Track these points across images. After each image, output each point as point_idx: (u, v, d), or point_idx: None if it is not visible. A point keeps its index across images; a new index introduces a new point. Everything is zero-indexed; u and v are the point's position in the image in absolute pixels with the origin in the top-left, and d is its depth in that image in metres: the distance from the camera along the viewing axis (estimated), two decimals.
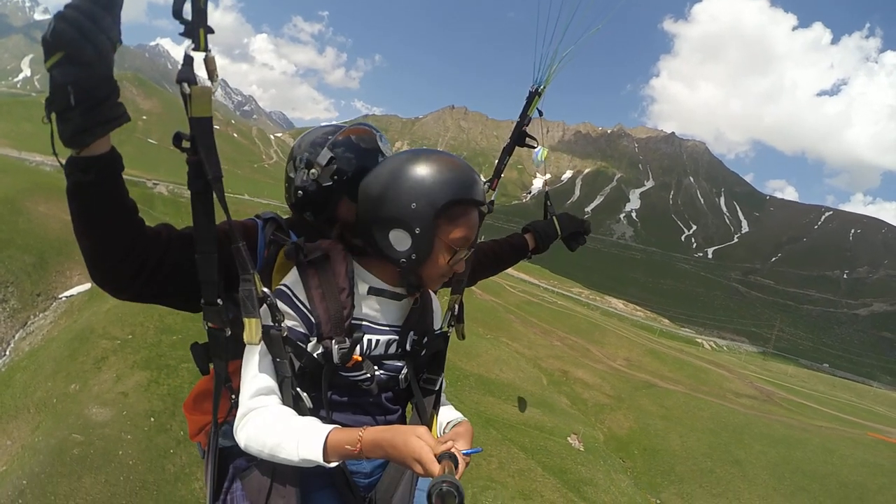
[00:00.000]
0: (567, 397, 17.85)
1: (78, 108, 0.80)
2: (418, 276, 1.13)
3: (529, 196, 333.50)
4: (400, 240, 1.06)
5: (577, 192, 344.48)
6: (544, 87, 1.69)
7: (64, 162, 0.89)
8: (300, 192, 1.27)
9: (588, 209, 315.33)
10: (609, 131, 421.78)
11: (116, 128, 0.87)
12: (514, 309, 28.16)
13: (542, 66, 1.66)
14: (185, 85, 0.87)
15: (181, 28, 0.85)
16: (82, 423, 4.76)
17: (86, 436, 4.58)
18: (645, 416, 17.58)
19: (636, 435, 16.47)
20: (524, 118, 1.76)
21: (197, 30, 0.85)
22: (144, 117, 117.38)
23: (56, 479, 4.09)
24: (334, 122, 1.43)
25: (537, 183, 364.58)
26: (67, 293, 15.92)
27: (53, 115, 0.82)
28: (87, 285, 16.07)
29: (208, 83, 0.89)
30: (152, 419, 5.02)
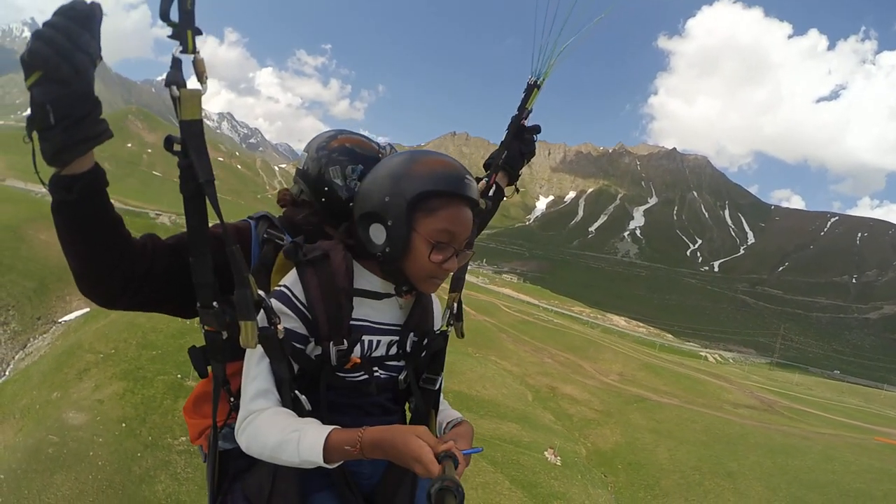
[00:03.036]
0: (552, 413, 17.24)
1: (58, 126, 0.80)
2: (401, 273, 1.10)
3: (533, 219, 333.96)
4: (377, 233, 1.06)
5: (581, 213, 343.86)
6: (543, 80, 1.58)
7: (47, 181, 0.88)
8: (326, 189, 1.32)
9: (592, 228, 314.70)
10: (610, 150, 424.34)
11: (98, 145, 0.86)
12: (506, 328, 27.63)
13: (540, 57, 1.54)
14: (175, 88, 0.86)
15: (170, 31, 0.85)
16: (59, 426, 5.18)
17: (61, 437, 4.98)
18: (633, 430, 16.60)
19: (621, 449, 15.58)
20: (523, 111, 1.61)
21: (185, 31, 0.84)
22: (149, 150, 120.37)
23: (31, 475, 4.48)
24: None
25: (540, 205, 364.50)
26: (66, 317, 16.39)
27: (35, 135, 0.82)
28: (86, 309, 16.59)
29: (198, 85, 0.88)
30: (124, 425, 5.42)
